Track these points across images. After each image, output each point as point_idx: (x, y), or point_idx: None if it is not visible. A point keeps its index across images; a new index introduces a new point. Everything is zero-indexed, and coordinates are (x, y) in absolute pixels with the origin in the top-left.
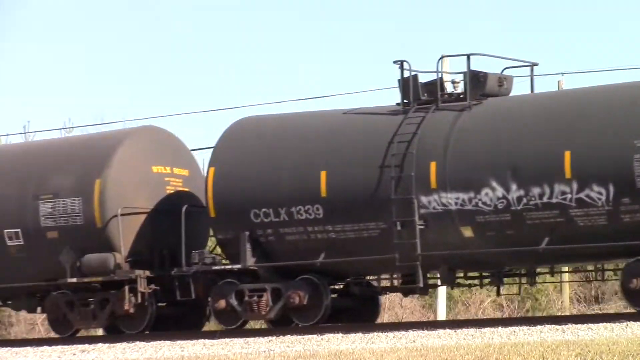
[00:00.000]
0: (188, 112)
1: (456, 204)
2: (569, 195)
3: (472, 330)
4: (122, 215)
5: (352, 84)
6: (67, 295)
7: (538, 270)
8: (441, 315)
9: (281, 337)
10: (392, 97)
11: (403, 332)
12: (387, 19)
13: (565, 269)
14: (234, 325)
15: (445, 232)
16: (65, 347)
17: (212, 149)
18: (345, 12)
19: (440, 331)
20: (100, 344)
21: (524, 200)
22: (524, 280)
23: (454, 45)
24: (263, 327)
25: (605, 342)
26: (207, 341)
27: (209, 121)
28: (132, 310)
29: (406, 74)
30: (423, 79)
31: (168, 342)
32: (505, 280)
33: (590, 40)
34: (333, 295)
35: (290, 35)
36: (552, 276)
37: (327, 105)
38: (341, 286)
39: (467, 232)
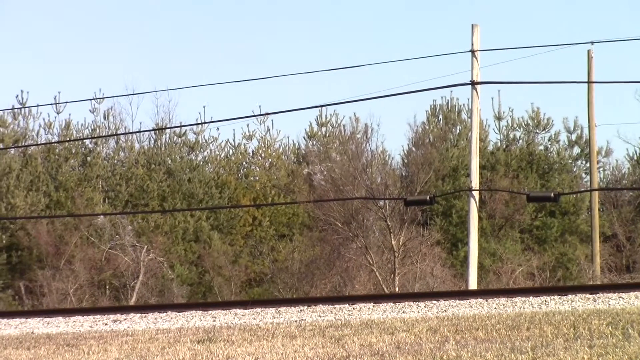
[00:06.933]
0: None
1: None
2: None
3: (503, 300)
4: None
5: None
6: None
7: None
8: (472, 285)
9: (312, 306)
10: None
11: (434, 302)
12: None
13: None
14: None
15: None
16: (97, 316)
17: None
18: None
19: (472, 300)
20: (132, 314)
21: None
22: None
23: (478, 13)
24: (295, 296)
25: (636, 311)
26: (239, 311)
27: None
28: None
29: None
30: None
31: (200, 312)
32: (536, 248)
33: (621, 6)
34: None
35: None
36: None
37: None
38: None
39: None
